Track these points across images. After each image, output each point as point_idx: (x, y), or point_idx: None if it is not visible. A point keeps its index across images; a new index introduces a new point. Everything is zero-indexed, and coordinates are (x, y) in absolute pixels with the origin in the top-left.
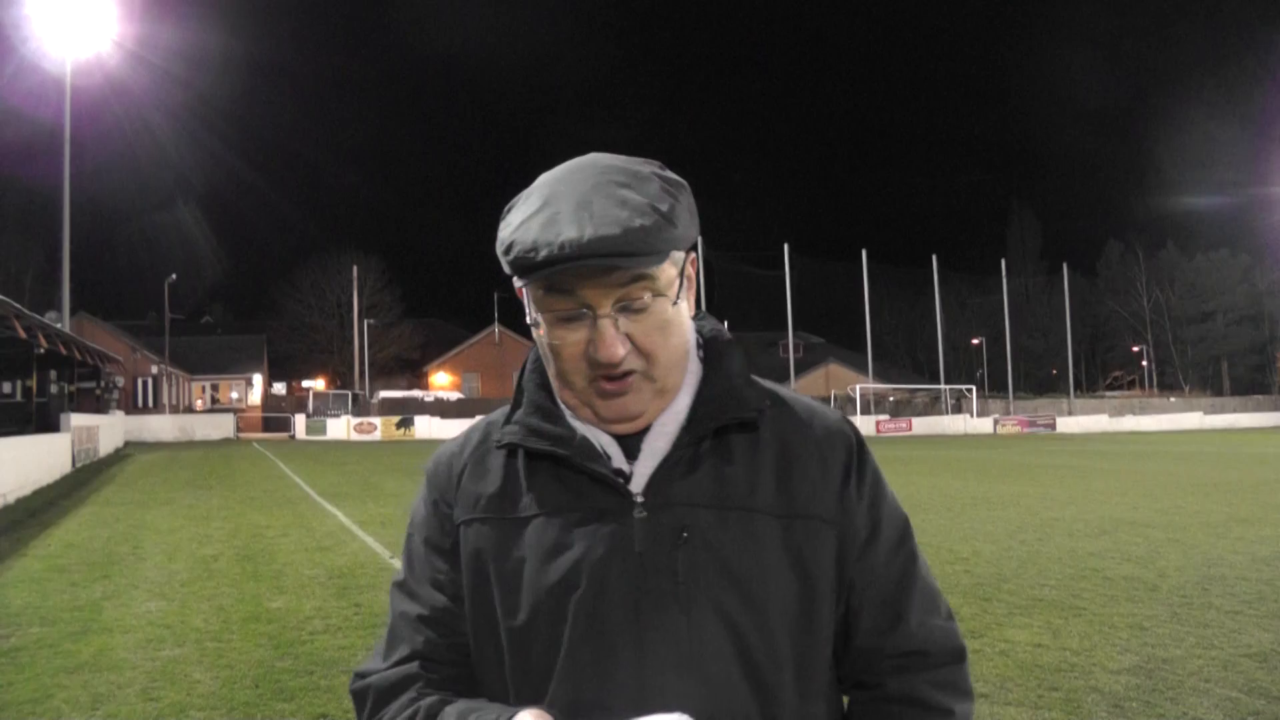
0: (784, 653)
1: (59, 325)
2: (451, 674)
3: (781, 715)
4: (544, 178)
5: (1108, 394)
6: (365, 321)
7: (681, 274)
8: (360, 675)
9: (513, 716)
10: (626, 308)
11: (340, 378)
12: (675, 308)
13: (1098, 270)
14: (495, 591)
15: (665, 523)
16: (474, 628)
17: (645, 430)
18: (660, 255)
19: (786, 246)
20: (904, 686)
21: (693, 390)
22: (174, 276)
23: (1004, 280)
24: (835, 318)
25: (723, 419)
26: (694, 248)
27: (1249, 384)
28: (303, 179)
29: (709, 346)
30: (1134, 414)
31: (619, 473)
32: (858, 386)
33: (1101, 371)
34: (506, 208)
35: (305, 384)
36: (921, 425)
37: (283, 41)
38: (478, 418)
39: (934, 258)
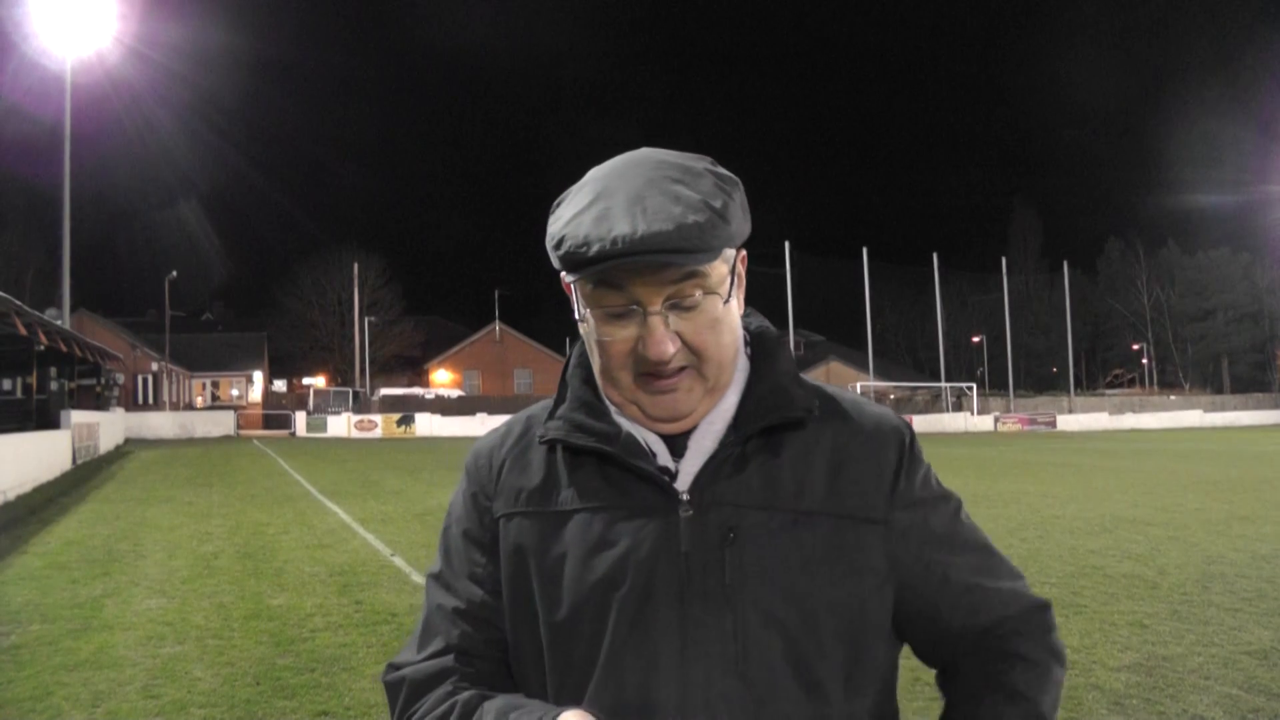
0: (833, 653)
1: (59, 322)
2: (487, 668)
3: (831, 715)
4: (595, 172)
5: (1108, 392)
6: (366, 319)
7: (732, 272)
8: (394, 666)
9: (556, 716)
10: (677, 305)
11: (341, 375)
12: (726, 306)
13: (1098, 268)
14: (536, 586)
15: (712, 522)
16: (513, 623)
17: (692, 428)
18: (713, 253)
19: (787, 244)
20: (999, 649)
21: (740, 388)
22: (174, 273)
23: (1005, 278)
24: (836, 315)
25: (771, 418)
26: (745, 245)
27: (1249, 382)
28: (304, 176)
29: (756, 344)
30: (1134, 412)
31: (664, 470)
32: (858, 384)
33: (1102, 369)
34: (556, 201)
35: (306, 381)
36: (922, 423)
37: (284, 38)
38: (515, 412)
39: (935, 255)
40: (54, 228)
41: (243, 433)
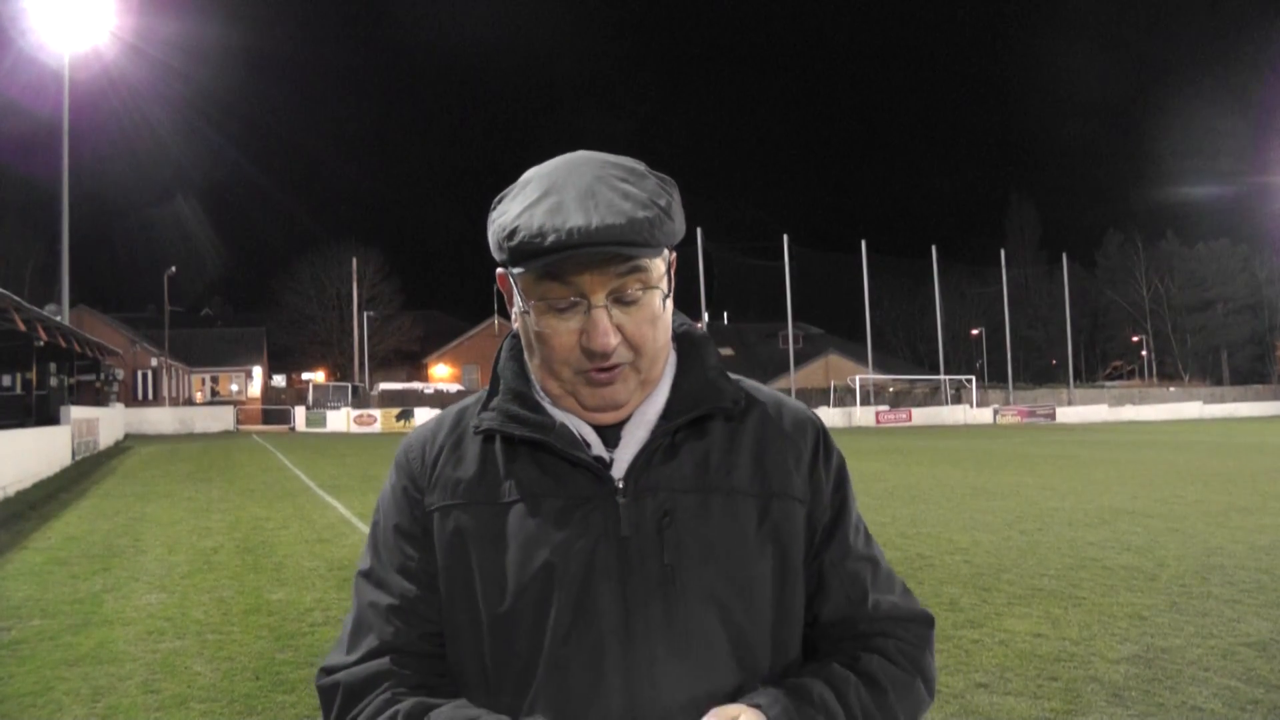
0: (763, 627)
1: (58, 318)
2: (423, 666)
3: (762, 679)
4: (536, 171)
5: (1107, 384)
6: (365, 313)
7: (669, 270)
8: (326, 671)
9: None
10: (620, 299)
11: (340, 370)
12: (664, 302)
13: (1097, 260)
14: (477, 578)
15: (649, 507)
16: (452, 616)
17: (625, 419)
18: (658, 249)
19: (786, 237)
20: (871, 646)
21: (670, 381)
22: (173, 269)
23: (1003, 270)
24: (835, 309)
25: (701, 408)
26: (671, 270)
27: (1248, 373)
28: (302, 171)
29: (681, 341)
30: (1133, 404)
31: (599, 460)
32: (857, 377)
33: (1101, 361)
34: (496, 199)
35: (305, 376)
36: (921, 416)
37: (282, 34)
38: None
39: (933, 248)
40: (53, 223)
41: (242, 428)
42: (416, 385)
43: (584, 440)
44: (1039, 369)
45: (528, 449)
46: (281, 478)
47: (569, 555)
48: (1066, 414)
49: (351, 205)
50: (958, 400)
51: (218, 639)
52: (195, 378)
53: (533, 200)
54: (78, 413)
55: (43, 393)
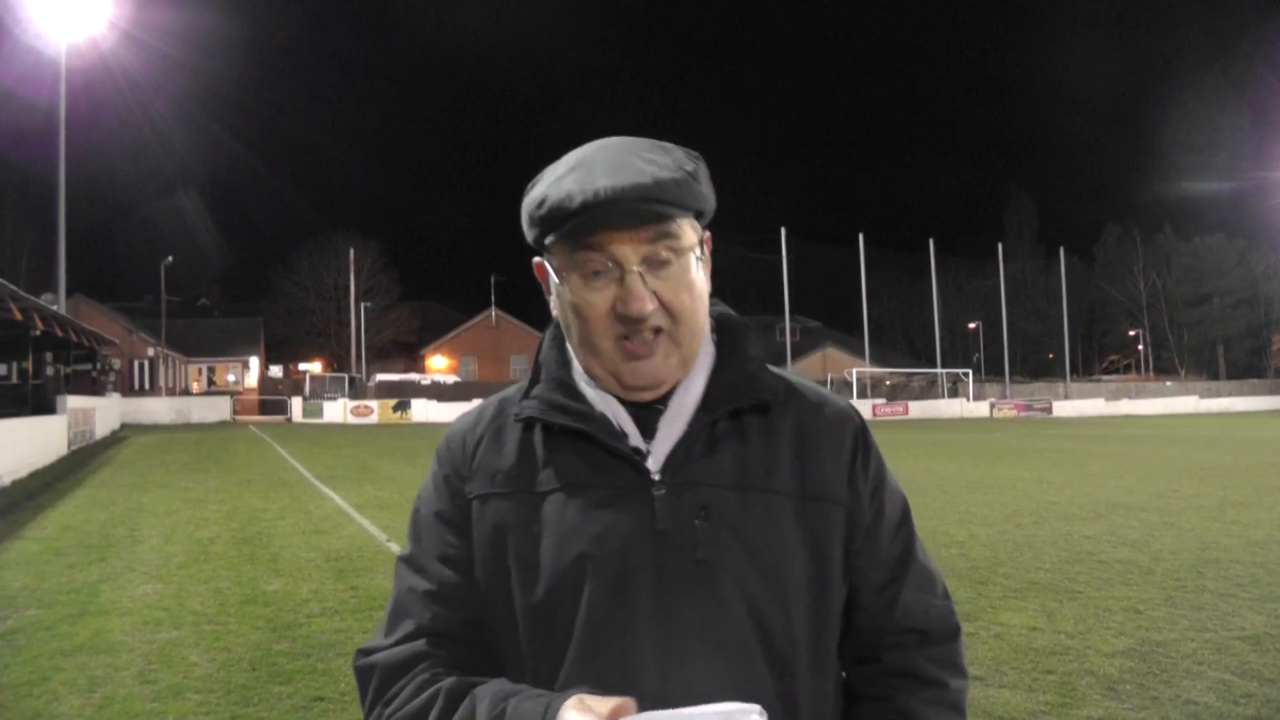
0: (800, 631)
1: (55, 307)
2: (462, 651)
3: (797, 692)
4: (570, 152)
5: (1104, 378)
6: (362, 304)
7: (700, 244)
8: (364, 652)
9: (559, 700)
10: (653, 263)
11: (337, 361)
12: (697, 273)
13: (1095, 254)
14: (513, 566)
15: (686, 501)
16: (489, 603)
17: (662, 410)
18: (686, 210)
19: (784, 230)
20: (902, 661)
21: (708, 370)
22: (171, 259)
23: (1001, 264)
24: (832, 302)
25: (740, 401)
26: (709, 229)
27: (1245, 368)
28: (300, 162)
29: (721, 328)
30: (1130, 398)
31: (636, 451)
32: (854, 370)
33: (1098, 355)
34: (531, 183)
35: (302, 367)
36: (918, 409)
37: (281, 23)
38: (489, 397)
39: (931, 242)
40: (49, 213)
41: (239, 418)
42: (413, 376)
43: (621, 430)
44: (1036, 363)
45: (568, 438)
46: (278, 468)
47: (605, 546)
48: (1063, 408)
49: (349, 196)
50: (954, 394)
51: (214, 629)
52: (192, 368)
53: (562, 174)
54: (74, 402)
55: (39, 382)
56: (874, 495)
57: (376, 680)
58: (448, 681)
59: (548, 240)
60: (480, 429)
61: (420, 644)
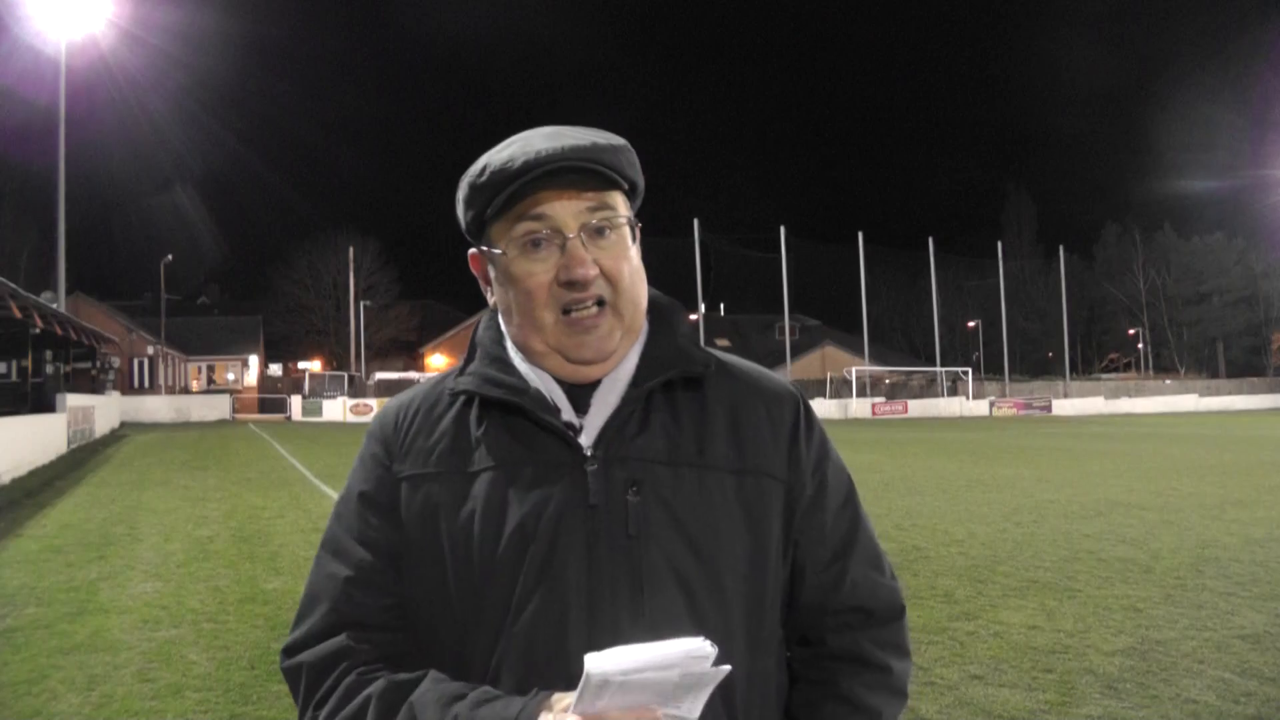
0: (734, 608)
1: (54, 305)
2: (382, 640)
3: (734, 672)
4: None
5: (1103, 376)
6: (361, 303)
7: (633, 228)
8: (289, 651)
9: (533, 706)
10: (592, 231)
11: (336, 359)
12: (633, 248)
13: (1094, 253)
14: (446, 545)
15: (618, 476)
16: (419, 585)
17: (595, 386)
18: (622, 179)
19: (783, 229)
20: (845, 643)
21: (640, 346)
22: (170, 257)
23: (1000, 263)
24: (832, 300)
25: (671, 373)
26: (637, 222)
27: (1244, 366)
28: (300, 159)
29: (653, 308)
30: (1129, 396)
31: (569, 426)
32: (854, 369)
33: (1097, 354)
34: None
35: (301, 365)
36: (917, 408)
37: (281, 21)
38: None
39: (930, 240)
40: (49, 211)
41: (238, 416)
42: (413, 374)
43: (555, 405)
44: (1035, 361)
45: (500, 415)
46: (277, 467)
47: (537, 522)
48: (1062, 406)
49: (349, 194)
50: (954, 392)
51: (213, 628)
52: (191, 366)
53: (500, 148)
54: (73, 400)
55: (38, 380)
56: (816, 470)
57: (305, 682)
58: (377, 686)
59: (488, 212)
60: (414, 407)
61: (341, 639)
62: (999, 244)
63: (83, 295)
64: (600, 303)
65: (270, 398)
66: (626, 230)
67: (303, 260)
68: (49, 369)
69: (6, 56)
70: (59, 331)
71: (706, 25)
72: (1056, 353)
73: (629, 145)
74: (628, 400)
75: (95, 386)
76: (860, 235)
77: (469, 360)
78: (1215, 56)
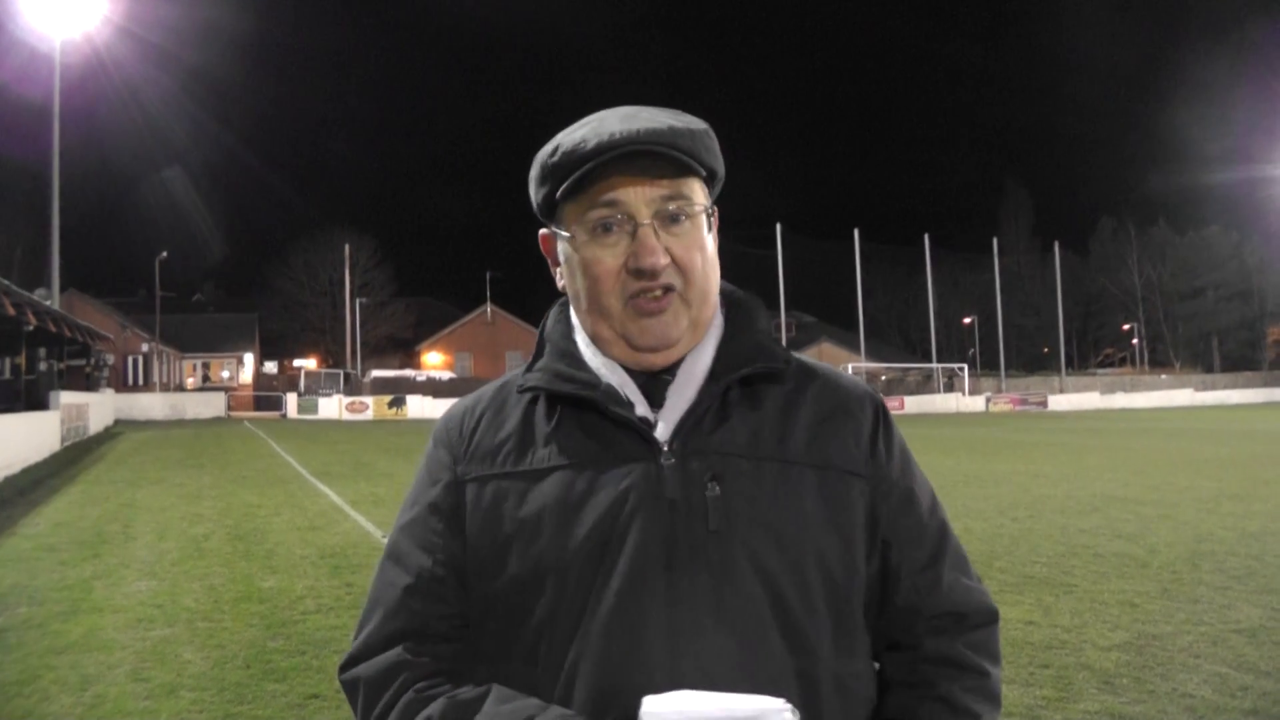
0: (820, 607)
1: (48, 302)
2: (442, 651)
3: (819, 672)
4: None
5: (1099, 371)
6: (357, 300)
7: (709, 216)
8: (346, 664)
9: None
10: (665, 218)
11: (332, 357)
12: (709, 237)
13: (1090, 248)
14: (515, 546)
15: (695, 470)
16: (486, 587)
17: (670, 380)
18: (699, 165)
19: (779, 225)
20: (941, 647)
21: (717, 340)
22: (165, 254)
23: (996, 258)
24: (828, 296)
25: (750, 368)
26: (715, 210)
27: (1239, 360)
28: (295, 156)
29: (731, 302)
30: (1125, 391)
31: (644, 420)
32: (850, 365)
33: (1093, 349)
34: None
35: (297, 363)
36: (914, 404)
37: (277, 17)
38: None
39: (926, 236)
40: (43, 207)
41: (234, 414)
42: (409, 372)
43: (628, 400)
44: (1031, 357)
45: (571, 411)
46: (273, 464)
47: (611, 520)
48: (1058, 401)
49: (345, 191)
50: (950, 388)
51: (208, 627)
52: (186, 363)
53: (575, 128)
54: (67, 398)
55: (32, 378)
56: (903, 472)
57: (362, 697)
58: (437, 707)
59: (558, 194)
60: (480, 409)
61: (398, 651)
62: (995, 239)
63: (77, 292)
64: (668, 289)
65: (266, 395)
66: (702, 218)
67: (299, 257)
68: (42, 366)
69: (2, 53)
70: (53, 328)
71: (705, 23)
72: (1052, 348)
73: (709, 129)
74: (705, 394)
75: (89, 384)
76: (856, 232)
77: (537, 356)
78: (1211, 51)
